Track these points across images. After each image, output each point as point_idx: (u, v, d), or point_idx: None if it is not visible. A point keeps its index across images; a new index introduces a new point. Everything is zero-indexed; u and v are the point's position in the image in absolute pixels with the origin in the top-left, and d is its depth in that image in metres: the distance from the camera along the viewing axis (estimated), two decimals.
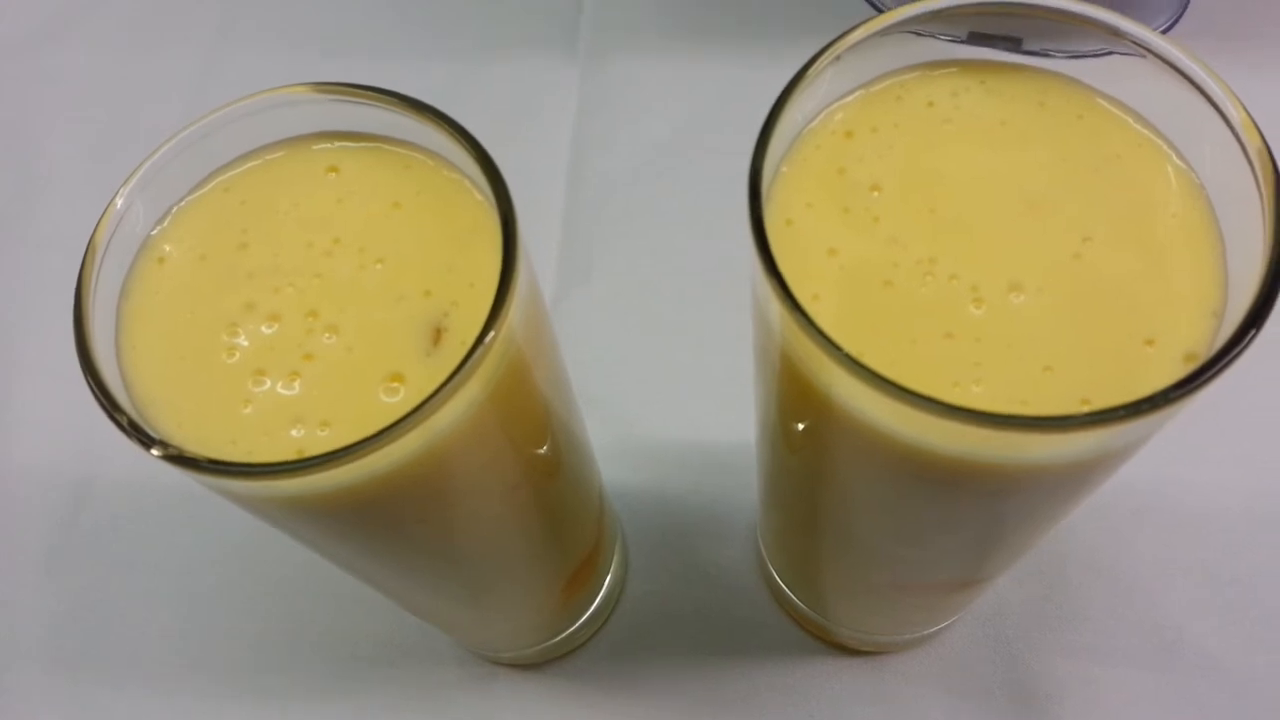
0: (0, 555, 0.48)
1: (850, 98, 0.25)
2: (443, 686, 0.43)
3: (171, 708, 0.44)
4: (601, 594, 0.43)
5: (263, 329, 0.24)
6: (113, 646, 0.46)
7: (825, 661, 0.42)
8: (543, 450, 0.30)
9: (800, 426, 0.27)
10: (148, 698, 0.44)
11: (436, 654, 0.44)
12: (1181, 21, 0.55)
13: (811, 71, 0.23)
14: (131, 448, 0.49)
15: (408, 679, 0.44)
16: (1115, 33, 0.24)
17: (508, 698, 0.43)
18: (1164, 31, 0.52)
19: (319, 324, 0.24)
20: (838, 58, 0.24)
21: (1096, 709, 0.40)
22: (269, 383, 0.24)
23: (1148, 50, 0.23)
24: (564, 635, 0.42)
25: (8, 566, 0.48)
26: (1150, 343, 0.22)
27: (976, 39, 0.26)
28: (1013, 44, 0.26)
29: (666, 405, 0.48)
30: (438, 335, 0.24)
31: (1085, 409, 0.20)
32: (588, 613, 0.42)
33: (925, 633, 0.41)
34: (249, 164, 0.26)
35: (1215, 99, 0.22)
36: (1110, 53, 0.24)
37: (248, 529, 0.47)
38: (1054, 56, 0.26)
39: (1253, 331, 0.20)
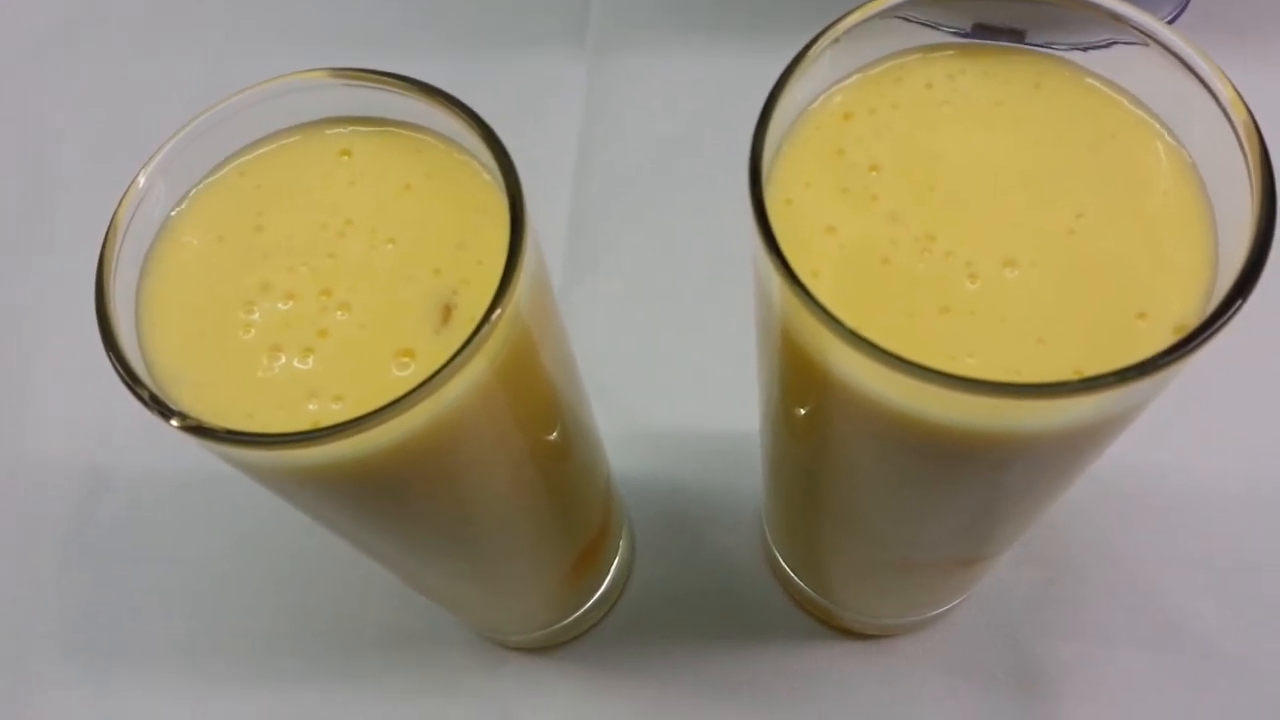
0: (16, 547, 0.49)
1: (849, 80, 0.26)
2: (453, 670, 0.44)
3: (184, 693, 0.45)
4: (609, 578, 0.43)
5: (278, 306, 0.25)
6: (126, 635, 0.47)
7: (830, 645, 0.43)
8: (549, 429, 0.30)
9: (801, 404, 0.27)
10: (162, 684, 0.45)
11: (446, 638, 0.45)
12: (1185, 14, 0.55)
13: (810, 54, 0.24)
14: (147, 439, 0.50)
15: (418, 663, 0.44)
16: (1116, 18, 0.24)
17: (517, 681, 0.44)
18: (1168, 23, 0.53)
19: (332, 302, 0.25)
20: (836, 40, 0.24)
21: (1098, 691, 0.41)
22: (284, 358, 0.24)
23: (1147, 36, 0.24)
24: (572, 619, 0.43)
25: (23, 558, 0.49)
26: (1142, 316, 0.23)
27: (981, 30, 0.27)
28: (1016, 36, 0.27)
29: (673, 394, 0.49)
30: (447, 312, 0.25)
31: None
32: (595, 596, 0.43)
33: (929, 615, 0.42)
34: (264, 148, 0.27)
35: (1204, 77, 0.22)
36: (1113, 43, 0.25)
37: (260, 517, 0.48)
38: (1057, 48, 0.26)
39: (1239, 301, 0.20)
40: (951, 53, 0.26)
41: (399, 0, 0.64)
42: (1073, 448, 0.24)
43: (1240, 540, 0.43)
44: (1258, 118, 0.22)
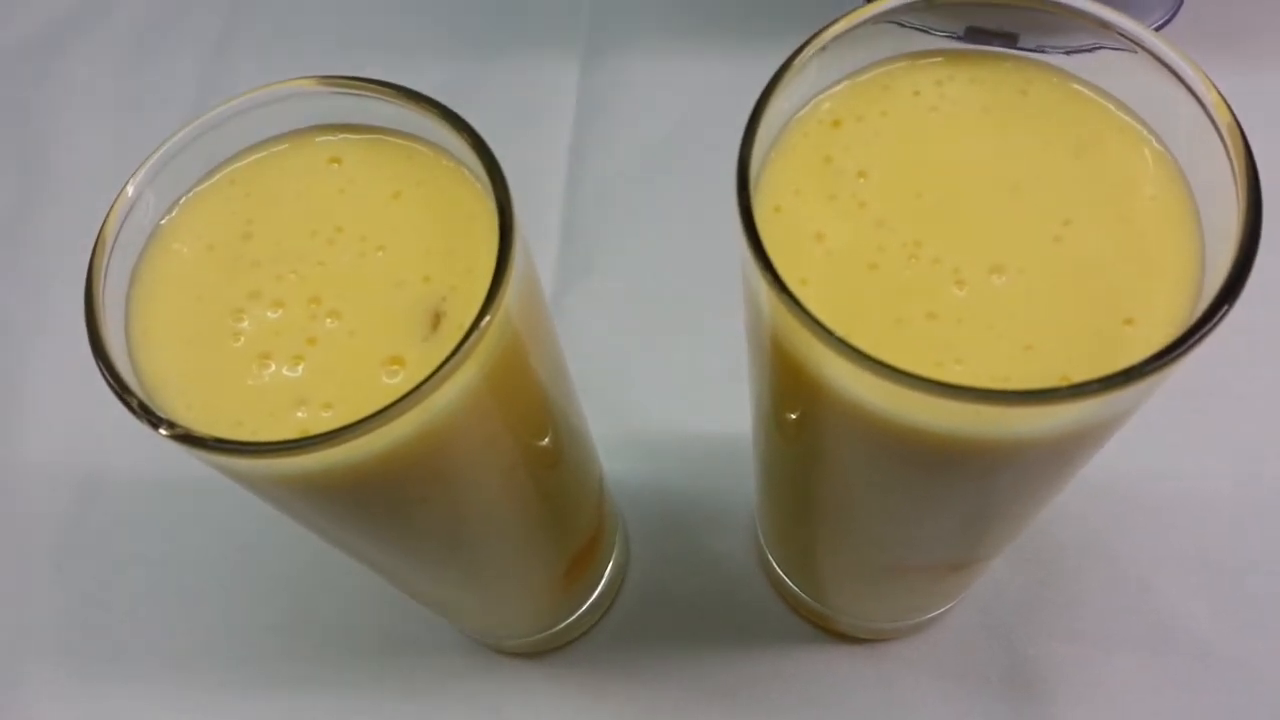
0: (11, 550, 0.49)
1: (837, 87, 0.26)
2: (448, 675, 0.44)
3: (179, 699, 0.45)
4: (603, 582, 0.43)
5: (268, 314, 0.25)
6: (122, 640, 0.47)
7: (824, 649, 0.43)
8: (540, 434, 0.30)
9: (791, 410, 0.28)
10: (157, 690, 0.45)
11: (441, 644, 0.45)
12: (1176, 19, 0.55)
13: (798, 62, 0.24)
14: (140, 444, 0.50)
15: (413, 668, 0.44)
16: (1103, 25, 0.24)
17: (512, 686, 0.44)
18: (1157, 29, 0.53)
19: (322, 309, 0.25)
20: (823, 48, 0.24)
21: (1093, 692, 0.41)
22: (274, 366, 0.24)
23: (1133, 42, 0.24)
24: (566, 623, 0.43)
25: (18, 561, 0.49)
26: (1129, 322, 0.23)
27: (974, 34, 0.27)
28: (1009, 40, 0.27)
29: (666, 398, 0.49)
30: (437, 319, 0.25)
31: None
32: (589, 601, 0.43)
33: (923, 619, 0.42)
34: (254, 156, 0.27)
35: (1189, 82, 0.22)
36: (1098, 48, 0.25)
37: (254, 523, 0.48)
38: (1049, 52, 0.26)
39: (1226, 306, 0.20)
40: (939, 59, 0.26)
41: (391, 6, 0.64)
42: (1062, 453, 0.25)
43: (1233, 541, 0.43)
44: (1250, 123, 0.22)
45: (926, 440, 0.23)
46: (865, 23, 0.25)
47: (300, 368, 0.24)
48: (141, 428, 0.23)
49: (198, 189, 0.27)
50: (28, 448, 0.52)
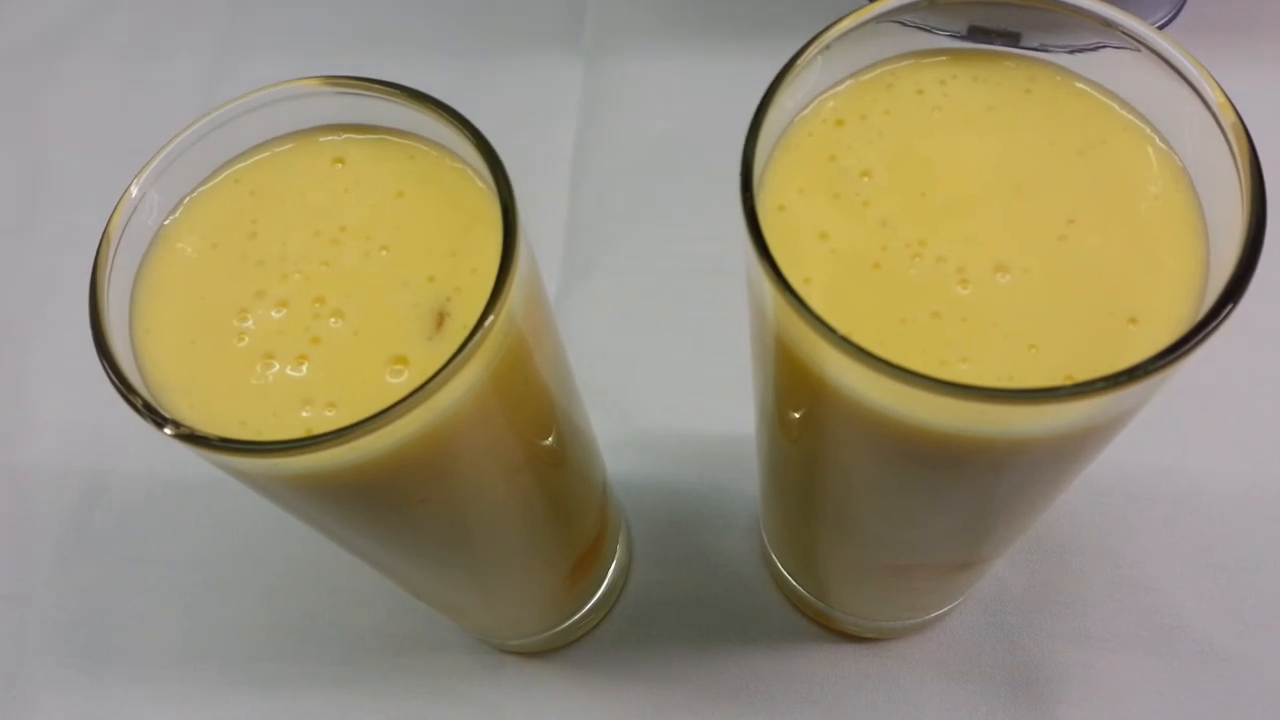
0: (14, 550, 0.49)
1: (841, 86, 0.26)
2: (451, 674, 0.44)
3: (183, 698, 0.45)
4: (606, 582, 0.43)
5: (272, 314, 0.25)
6: (125, 639, 0.47)
7: (827, 647, 0.43)
8: (544, 435, 0.30)
9: (795, 410, 0.28)
10: (160, 688, 0.45)
11: (445, 643, 0.45)
12: (1180, 16, 0.55)
13: (801, 61, 0.24)
14: (143, 444, 0.50)
15: (417, 667, 0.44)
16: (1106, 24, 0.24)
17: (515, 685, 0.44)
18: (1161, 27, 0.53)
19: (326, 309, 0.25)
20: (827, 47, 0.24)
21: (1095, 694, 0.41)
22: (278, 366, 0.25)
23: (1137, 41, 0.24)
24: (570, 623, 0.43)
25: (22, 561, 0.49)
26: (1134, 321, 0.23)
27: (977, 33, 0.27)
28: (1011, 39, 0.27)
29: (669, 398, 0.49)
30: (441, 319, 0.25)
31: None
32: (593, 600, 0.43)
33: (926, 618, 0.42)
34: (258, 155, 0.27)
35: (1193, 81, 0.22)
36: (1102, 47, 0.25)
37: (258, 523, 0.48)
38: (1052, 51, 0.26)
39: (1230, 305, 0.20)
40: (943, 58, 0.26)
41: (395, 6, 0.64)
42: (1066, 452, 0.25)
43: (1239, 541, 0.43)
44: (1254, 121, 0.22)
45: (930, 439, 0.23)
46: (868, 22, 0.25)
47: (304, 367, 0.24)
48: (146, 427, 0.23)
49: (202, 188, 0.27)
50: (32, 447, 0.52)
